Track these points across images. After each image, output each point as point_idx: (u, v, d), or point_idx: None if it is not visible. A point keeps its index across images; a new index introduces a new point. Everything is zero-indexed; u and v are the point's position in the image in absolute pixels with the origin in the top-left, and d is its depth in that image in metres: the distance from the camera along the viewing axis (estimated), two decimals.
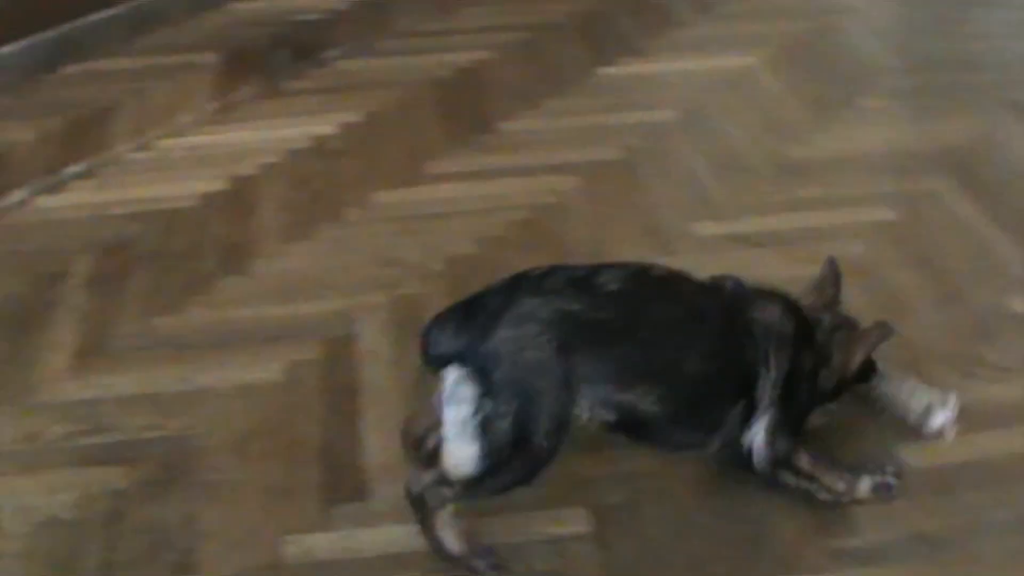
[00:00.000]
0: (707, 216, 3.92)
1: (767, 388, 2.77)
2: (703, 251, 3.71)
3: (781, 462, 2.78)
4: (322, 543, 2.70)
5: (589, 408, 2.61)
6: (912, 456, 2.94)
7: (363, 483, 2.85)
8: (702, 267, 3.52)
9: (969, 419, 3.05)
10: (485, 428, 2.49)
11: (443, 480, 2.55)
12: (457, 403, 2.51)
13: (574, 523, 2.73)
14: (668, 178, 4.18)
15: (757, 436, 2.77)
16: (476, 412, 2.49)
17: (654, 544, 2.68)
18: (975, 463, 2.94)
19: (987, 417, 3.08)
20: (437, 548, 2.60)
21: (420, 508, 2.59)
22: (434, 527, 2.59)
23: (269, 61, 5.06)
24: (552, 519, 2.74)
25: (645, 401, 2.67)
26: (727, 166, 4.25)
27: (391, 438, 2.93)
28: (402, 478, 2.65)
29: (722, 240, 3.79)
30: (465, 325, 2.58)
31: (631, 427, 2.74)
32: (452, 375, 2.53)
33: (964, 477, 2.89)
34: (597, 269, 2.72)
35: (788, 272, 3.54)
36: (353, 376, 3.19)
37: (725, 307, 2.82)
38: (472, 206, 3.93)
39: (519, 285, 2.63)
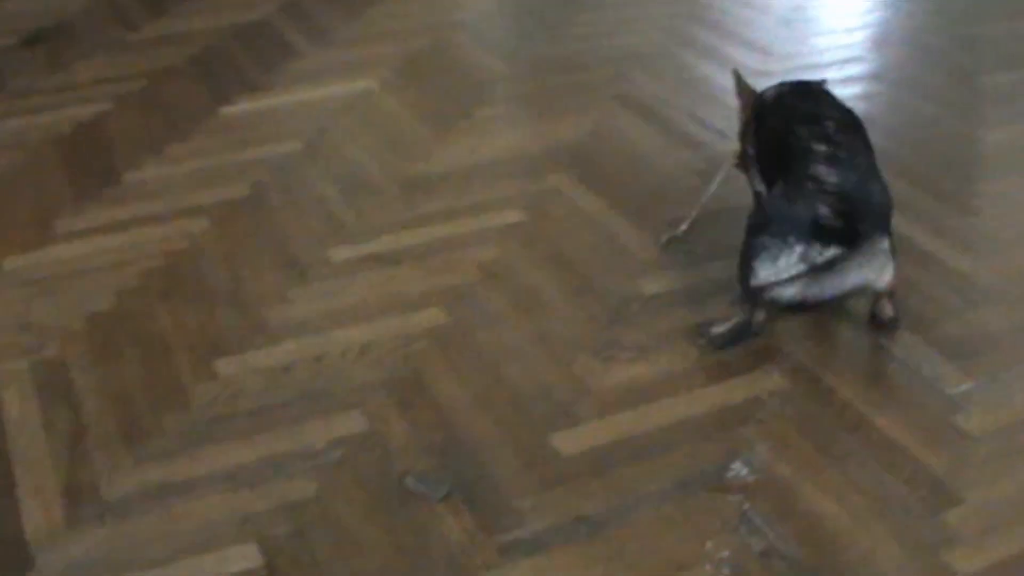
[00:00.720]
0: (341, 241, 4.00)
1: None
2: (341, 275, 3.81)
3: None
4: None
5: None
6: (564, 443, 3.11)
7: (27, 555, 2.81)
8: (342, 291, 3.67)
9: (615, 401, 3.26)
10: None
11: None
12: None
13: (244, 559, 2.78)
14: (299, 208, 4.22)
15: None
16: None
17: (327, 567, 2.75)
18: (625, 441, 3.13)
19: (631, 396, 3.29)
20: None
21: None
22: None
23: None
24: (222, 559, 2.78)
25: None
26: (355, 190, 4.33)
27: (50, 505, 2.93)
28: (66, 544, 2.66)
29: (358, 262, 3.87)
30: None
31: None
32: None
33: (616, 456, 3.07)
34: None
35: (428, 285, 3.71)
36: (2, 447, 3.13)
37: None
38: (107, 260, 3.90)
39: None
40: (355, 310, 3.63)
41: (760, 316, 3.46)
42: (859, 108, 4.80)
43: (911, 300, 3.64)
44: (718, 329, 3.52)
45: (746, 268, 3.35)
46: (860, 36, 5.94)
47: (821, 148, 3.36)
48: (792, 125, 3.50)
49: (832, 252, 3.20)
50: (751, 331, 3.48)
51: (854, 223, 3.23)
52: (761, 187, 3.67)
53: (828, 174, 3.29)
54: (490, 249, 3.92)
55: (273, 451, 3.09)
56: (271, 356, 3.43)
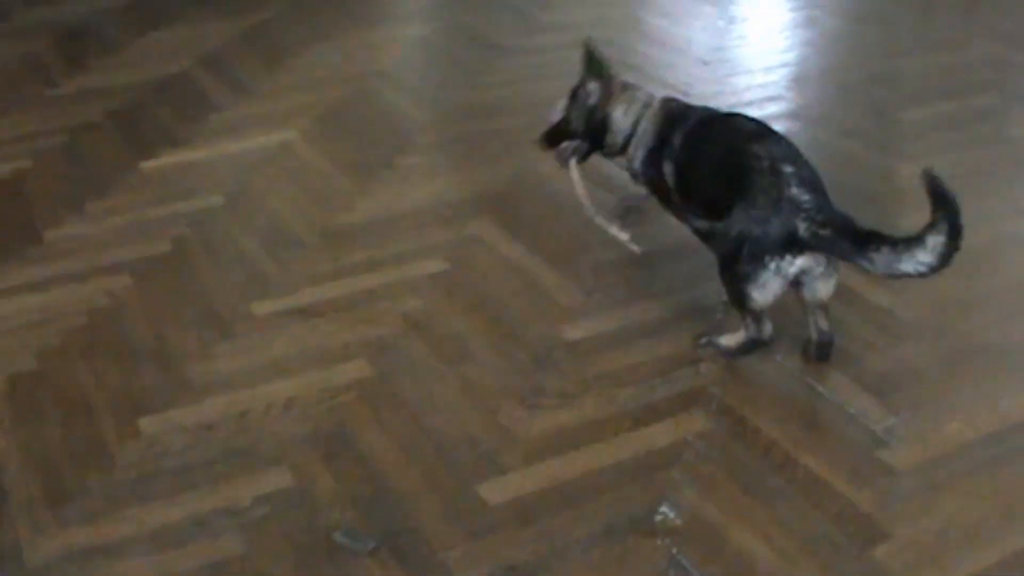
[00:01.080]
0: (263, 294, 3.98)
1: None
2: (264, 329, 3.79)
3: None
4: None
5: None
6: (491, 492, 3.11)
7: None
8: (265, 346, 3.65)
9: (541, 448, 3.26)
10: None
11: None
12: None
13: None
14: (220, 262, 4.20)
15: None
16: None
17: None
18: (551, 488, 3.14)
19: (557, 443, 3.30)
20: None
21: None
22: None
23: None
24: None
25: None
26: (276, 242, 4.32)
27: None
28: None
29: (281, 316, 3.86)
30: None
31: None
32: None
33: (543, 504, 3.08)
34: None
35: (351, 337, 3.71)
36: None
37: None
38: (27, 320, 3.85)
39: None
40: (279, 364, 3.62)
41: (768, 327, 3.55)
42: None
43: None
44: (728, 342, 3.62)
45: (742, 297, 3.48)
46: (778, 75, 6.01)
47: (789, 169, 3.44)
48: (744, 146, 3.56)
49: (801, 262, 3.40)
50: (764, 342, 3.58)
51: (834, 236, 3.33)
52: (696, 220, 3.74)
53: (801, 194, 3.39)
54: (413, 299, 3.92)
55: (199, 509, 3.06)
56: (195, 413, 3.41)
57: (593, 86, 3.96)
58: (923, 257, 3.17)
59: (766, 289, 3.43)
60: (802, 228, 3.34)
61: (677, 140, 3.75)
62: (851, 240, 3.29)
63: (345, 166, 4.92)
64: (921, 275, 3.21)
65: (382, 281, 4.04)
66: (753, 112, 5.03)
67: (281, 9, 6.95)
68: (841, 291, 3.57)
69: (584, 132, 4.00)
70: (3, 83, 5.90)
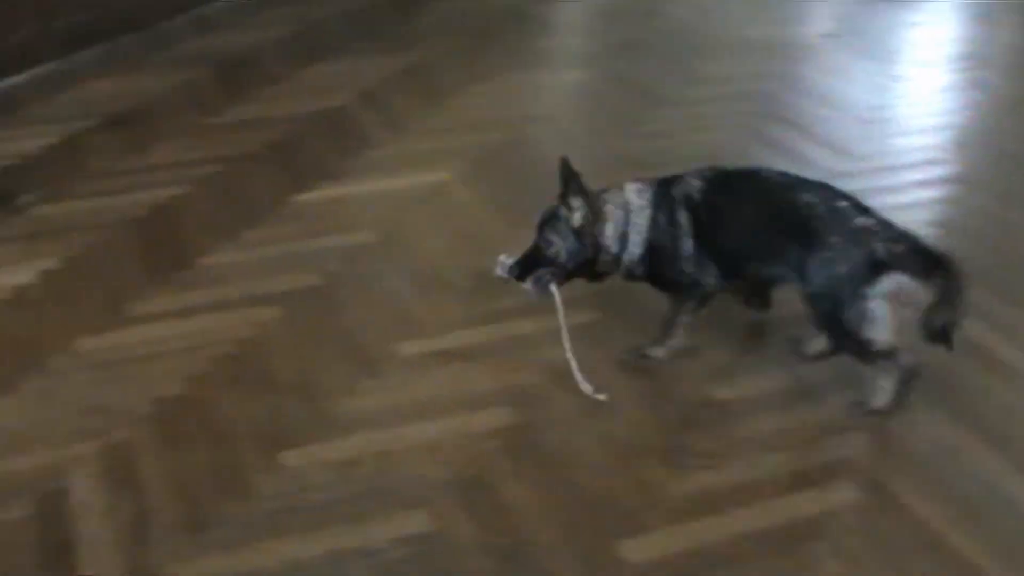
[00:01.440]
0: (411, 335, 3.98)
1: None
2: (410, 370, 3.79)
3: None
4: None
5: None
6: (631, 551, 3.06)
7: None
8: (410, 386, 3.64)
9: (683, 509, 3.20)
10: None
11: None
12: None
13: None
14: (369, 300, 4.22)
15: None
16: None
17: None
18: (692, 551, 3.08)
19: (700, 505, 3.23)
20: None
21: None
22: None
23: None
24: None
25: None
26: (427, 283, 4.32)
27: None
28: None
29: (427, 357, 3.85)
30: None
31: None
32: None
33: (683, 567, 3.03)
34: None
35: (497, 383, 3.68)
36: (67, 531, 3.12)
37: None
38: (176, 345, 3.90)
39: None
40: (423, 406, 3.60)
41: (905, 356, 3.50)
42: (939, 211, 4.78)
43: (989, 413, 3.57)
44: (880, 402, 3.55)
45: (862, 344, 3.47)
46: (940, 137, 5.89)
47: (844, 203, 3.50)
48: (790, 199, 3.55)
49: (890, 281, 3.41)
50: (914, 373, 3.53)
51: (907, 253, 3.41)
52: (712, 278, 3.72)
53: (866, 220, 3.46)
54: (561, 349, 3.85)
55: (335, 547, 3.06)
56: (337, 450, 3.40)
57: (577, 203, 3.69)
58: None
59: (878, 322, 3.43)
60: (880, 249, 3.40)
61: (691, 211, 3.68)
62: (922, 259, 3.39)
63: (498, 210, 4.91)
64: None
65: (530, 329, 3.99)
66: (913, 175, 4.95)
67: (441, 49, 6.99)
68: (997, 366, 3.47)
69: (571, 256, 3.70)
70: (164, 110, 6.00)
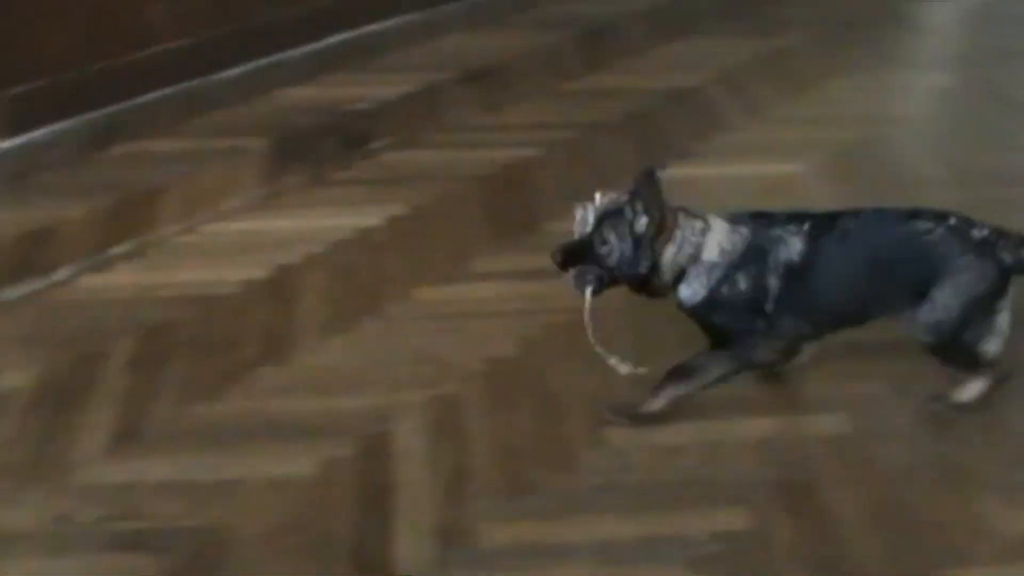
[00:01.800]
0: None
1: None
2: None
3: None
4: None
5: None
6: None
7: None
8: (744, 380, 3.51)
9: (1015, 549, 3.02)
10: None
11: None
12: None
13: None
14: None
15: None
16: None
17: None
18: None
19: None
20: None
21: None
22: None
23: (317, 150, 5.07)
24: None
25: None
26: None
27: (423, 540, 2.94)
28: None
29: None
30: None
31: None
32: None
33: None
34: None
35: (836, 387, 3.58)
36: (387, 475, 3.17)
37: None
38: (513, 307, 3.91)
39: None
40: (755, 402, 3.50)
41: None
42: None
43: None
44: (971, 394, 3.44)
45: (975, 358, 3.36)
46: None
47: (954, 220, 3.27)
48: (904, 231, 3.29)
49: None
50: (1009, 377, 3.44)
51: None
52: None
53: (981, 230, 3.27)
54: (904, 360, 3.69)
55: (651, 532, 3.00)
56: (663, 434, 3.34)
57: (640, 208, 3.20)
58: None
59: (998, 333, 3.32)
60: (1007, 257, 3.25)
61: (787, 278, 3.24)
62: None
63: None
64: None
65: (877, 335, 3.82)
66: None
67: (806, 37, 6.80)
68: None
69: (623, 263, 3.21)
70: (521, 71, 6.03)
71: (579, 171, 4.92)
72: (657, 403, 3.37)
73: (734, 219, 3.29)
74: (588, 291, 3.21)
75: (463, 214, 4.52)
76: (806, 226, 3.26)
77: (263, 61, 5.83)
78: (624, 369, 3.29)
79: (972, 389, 3.42)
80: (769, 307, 3.25)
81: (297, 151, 5.06)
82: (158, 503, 3.10)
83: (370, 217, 4.44)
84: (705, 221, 3.26)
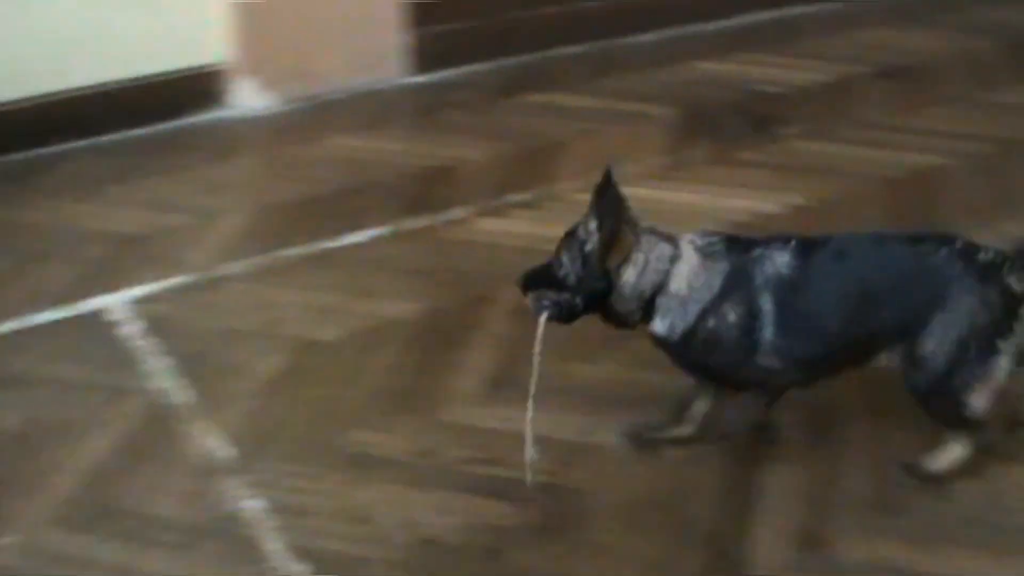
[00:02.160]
0: None
1: None
2: None
3: None
4: None
5: None
6: None
7: None
8: None
9: None
10: None
11: None
12: None
13: None
14: None
15: None
16: None
17: None
18: None
19: None
20: None
21: None
22: None
23: (725, 127, 5.02)
24: None
25: None
26: None
27: (782, 543, 2.89)
28: None
29: None
30: None
31: None
32: None
33: None
34: None
35: None
36: (756, 468, 3.12)
37: None
38: None
39: None
40: None
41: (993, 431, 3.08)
42: None
43: None
44: (943, 464, 3.09)
45: (961, 410, 2.97)
46: None
47: (960, 243, 2.94)
48: (909, 252, 2.97)
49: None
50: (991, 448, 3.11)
51: None
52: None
53: (986, 254, 2.92)
54: None
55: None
56: None
57: (593, 227, 2.91)
58: None
59: (993, 384, 2.92)
60: (1013, 282, 2.89)
61: (778, 294, 2.90)
62: None
63: None
64: None
65: None
66: None
67: None
68: None
69: (580, 283, 2.94)
70: (940, 74, 5.77)
71: (988, 189, 4.66)
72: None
73: (707, 249, 2.95)
74: (542, 317, 2.97)
75: (863, 214, 4.36)
76: (792, 243, 2.95)
77: (679, 31, 5.85)
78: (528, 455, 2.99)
79: (949, 455, 3.08)
80: (768, 332, 2.92)
81: (705, 125, 5.03)
82: (523, 454, 3.05)
83: (769, 203, 4.36)
84: (676, 248, 2.94)
